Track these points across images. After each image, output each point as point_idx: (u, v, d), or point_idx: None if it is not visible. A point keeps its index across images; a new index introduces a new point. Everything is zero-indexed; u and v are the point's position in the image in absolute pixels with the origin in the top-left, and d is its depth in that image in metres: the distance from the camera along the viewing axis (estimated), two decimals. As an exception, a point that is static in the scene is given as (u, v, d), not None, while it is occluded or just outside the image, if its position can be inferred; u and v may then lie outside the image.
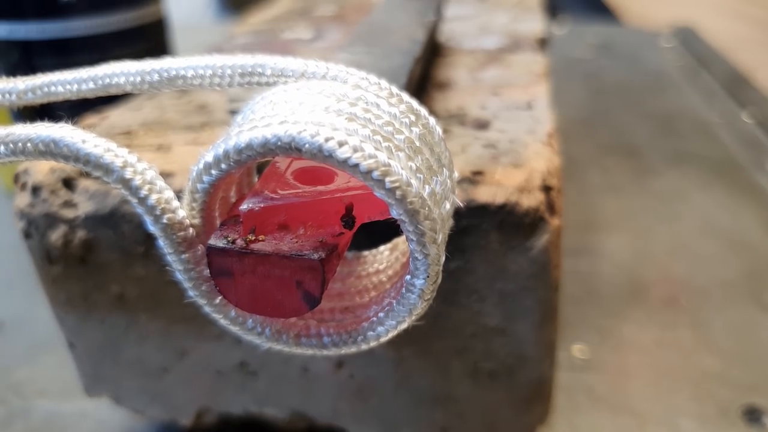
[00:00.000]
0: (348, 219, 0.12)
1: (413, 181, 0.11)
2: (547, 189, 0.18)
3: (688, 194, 0.44)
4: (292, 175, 0.12)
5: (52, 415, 0.29)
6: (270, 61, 0.15)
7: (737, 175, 0.48)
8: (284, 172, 0.12)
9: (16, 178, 0.21)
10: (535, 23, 0.34)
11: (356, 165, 0.10)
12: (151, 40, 0.35)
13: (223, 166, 0.11)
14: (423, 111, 0.13)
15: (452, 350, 0.20)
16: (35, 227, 0.21)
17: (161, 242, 0.12)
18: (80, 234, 0.20)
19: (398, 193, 0.11)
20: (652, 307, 0.33)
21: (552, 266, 0.18)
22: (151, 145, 0.21)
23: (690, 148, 0.52)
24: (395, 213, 0.11)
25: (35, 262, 0.22)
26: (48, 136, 0.12)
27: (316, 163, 0.12)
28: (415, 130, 0.12)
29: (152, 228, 0.12)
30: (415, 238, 0.11)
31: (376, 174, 0.10)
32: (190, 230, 0.12)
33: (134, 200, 0.12)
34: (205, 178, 0.12)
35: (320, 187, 0.12)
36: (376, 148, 0.11)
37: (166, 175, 0.19)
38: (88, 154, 0.12)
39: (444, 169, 0.13)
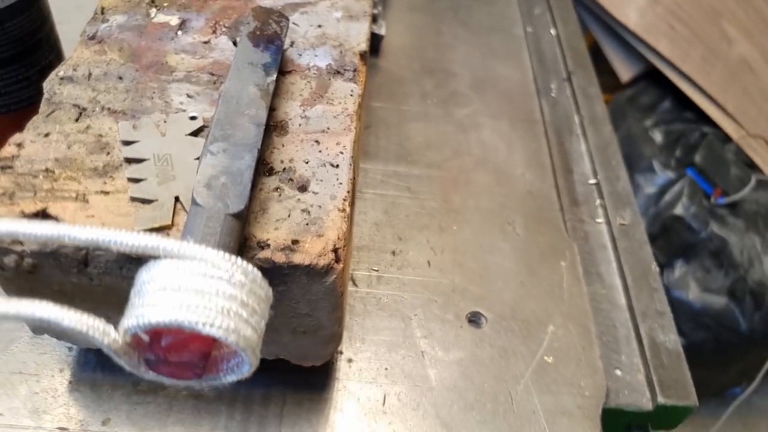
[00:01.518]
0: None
1: (250, 334, 0.23)
2: (336, 250, 0.30)
3: (481, 126, 0.58)
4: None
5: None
6: (157, 242, 0.25)
7: (526, 105, 0.61)
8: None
9: (-28, 217, 0.30)
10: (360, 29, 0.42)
11: (219, 335, 0.22)
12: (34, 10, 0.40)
13: (133, 331, 0.23)
14: (257, 274, 0.25)
15: (281, 323, 0.33)
16: (-8, 252, 0.30)
17: (108, 352, 0.24)
18: (28, 260, 0.30)
19: (243, 345, 0.23)
20: (431, 233, 0.48)
21: (337, 287, 0.31)
22: (70, 191, 0.31)
23: (497, 72, 0.64)
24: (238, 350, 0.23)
25: (-9, 268, 0.31)
26: (42, 318, 0.22)
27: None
28: (254, 288, 0.24)
29: (106, 350, 0.24)
30: (247, 360, 0.24)
31: (231, 339, 0.23)
32: (126, 347, 0.24)
33: (98, 341, 0.23)
34: (127, 336, 0.23)
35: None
36: (230, 321, 0.23)
37: (90, 230, 0.29)
38: (72, 328, 0.22)
39: (262, 304, 0.25)
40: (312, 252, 0.30)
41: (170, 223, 0.29)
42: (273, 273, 0.30)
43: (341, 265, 0.31)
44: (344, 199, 0.32)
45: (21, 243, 0.30)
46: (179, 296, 0.23)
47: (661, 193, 1.30)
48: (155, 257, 0.24)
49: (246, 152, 0.30)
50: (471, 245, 0.48)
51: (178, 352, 0.24)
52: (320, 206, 0.31)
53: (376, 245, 0.47)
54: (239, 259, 0.24)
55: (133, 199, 0.30)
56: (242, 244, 0.29)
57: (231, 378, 0.26)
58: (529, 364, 0.43)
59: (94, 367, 0.38)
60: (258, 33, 0.34)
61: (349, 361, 0.41)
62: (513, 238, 0.49)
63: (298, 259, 0.30)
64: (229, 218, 0.27)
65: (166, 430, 0.37)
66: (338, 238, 0.31)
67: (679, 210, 1.27)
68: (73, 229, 0.24)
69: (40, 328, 0.35)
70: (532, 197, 0.53)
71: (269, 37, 0.34)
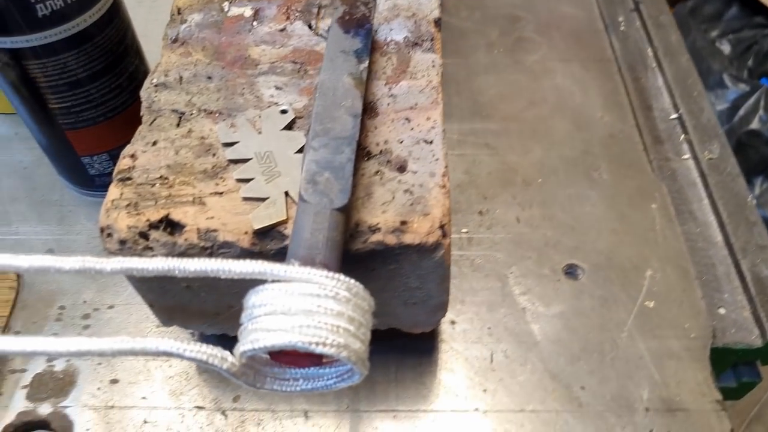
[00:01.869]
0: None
1: (359, 347, 0.25)
2: (442, 226, 0.31)
3: (552, 71, 0.57)
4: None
5: (125, 322, 0.43)
6: (263, 267, 0.26)
7: (595, 43, 0.60)
8: None
9: (101, 230, 0.32)
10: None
11: (332, 353, 0.24)
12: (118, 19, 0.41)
13: (249, 354, 0.25)
14: (359, 288, 0.26)
15: (391, 296, 0.35)
16: (126, 259, 0.33)
17: (227, 376, 0.26)
18: (159, 263, 0.33)
19: (354, 359, 0.25)
20: (516, 189, 0.49)
21: (445, 260, 0.33)
22: (186, 196, 0.32)
23: (561, 11, 0.62)
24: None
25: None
26: (166, 351, 0.24)
27: None
28: (358, 302, 0.26)
29: (225, 374, 0.26)
30: (357, 371, 0.26)
31: (342, 355, 0.24)
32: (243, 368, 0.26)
33: (218, 367, 0.25)
34: (243, 358, 0.25)
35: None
36: (339, 338, 0.24)
37: (212, 231, 0.31)
38: (192, 358, 0.24)
39: (366, 315, 0.26)
40: (420, 231, 0.31)
41: (285, 217, 0.31)
42: (385, 254, 0.31)
43: (448, 240, 0.32)
44: (443, 175, 0.33)
45: (152, 249, 0.32)
46: (290, 319, 0.24)
47: (735, 109, 1.25)
48: (262, 281, 0.26)
49: (345, 145, 0.31)
50: (558, 196, 0.48)
51: (294, 364, 0.26)
52: (421, 185, 0.32)
53: (462, 207, 0.48)
54: (342, 276, 0.26)
55: (246, 199, 0.32)
56: (351, 232, 0.31)
57: (342, 385, 0.28)
58: (630, 310, 0.43)
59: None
60: (347, 18, 0.35)
61: (452, 323, 0.43)
62: (600, 185, 0.49)
63: (408, 239, 0.31)
64: (335, 213, 0.28)
65: (292, 403, 0.39)
66: (443, 215, 0.32)
67: (755, 124, 1.22)
68: (183, 263, 0.25)
69: (169, 320, 0.38)
70: (614, 140, 0.52)
71: (358, 21, 0.35)
